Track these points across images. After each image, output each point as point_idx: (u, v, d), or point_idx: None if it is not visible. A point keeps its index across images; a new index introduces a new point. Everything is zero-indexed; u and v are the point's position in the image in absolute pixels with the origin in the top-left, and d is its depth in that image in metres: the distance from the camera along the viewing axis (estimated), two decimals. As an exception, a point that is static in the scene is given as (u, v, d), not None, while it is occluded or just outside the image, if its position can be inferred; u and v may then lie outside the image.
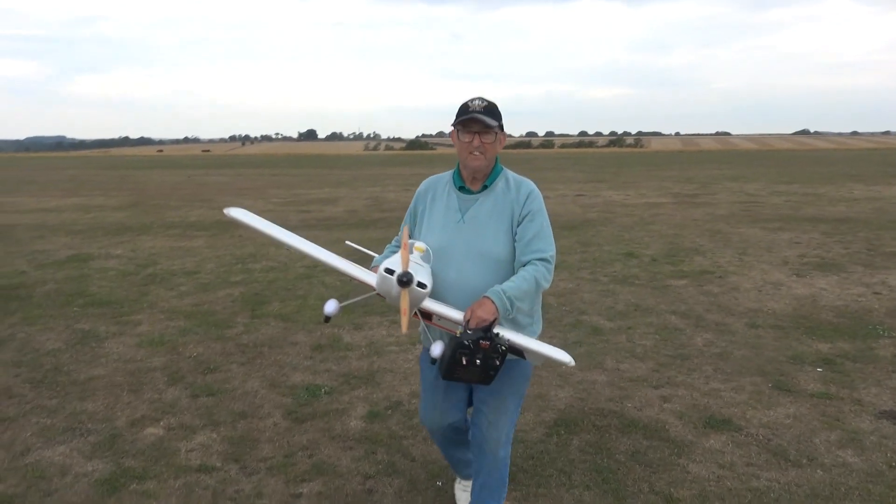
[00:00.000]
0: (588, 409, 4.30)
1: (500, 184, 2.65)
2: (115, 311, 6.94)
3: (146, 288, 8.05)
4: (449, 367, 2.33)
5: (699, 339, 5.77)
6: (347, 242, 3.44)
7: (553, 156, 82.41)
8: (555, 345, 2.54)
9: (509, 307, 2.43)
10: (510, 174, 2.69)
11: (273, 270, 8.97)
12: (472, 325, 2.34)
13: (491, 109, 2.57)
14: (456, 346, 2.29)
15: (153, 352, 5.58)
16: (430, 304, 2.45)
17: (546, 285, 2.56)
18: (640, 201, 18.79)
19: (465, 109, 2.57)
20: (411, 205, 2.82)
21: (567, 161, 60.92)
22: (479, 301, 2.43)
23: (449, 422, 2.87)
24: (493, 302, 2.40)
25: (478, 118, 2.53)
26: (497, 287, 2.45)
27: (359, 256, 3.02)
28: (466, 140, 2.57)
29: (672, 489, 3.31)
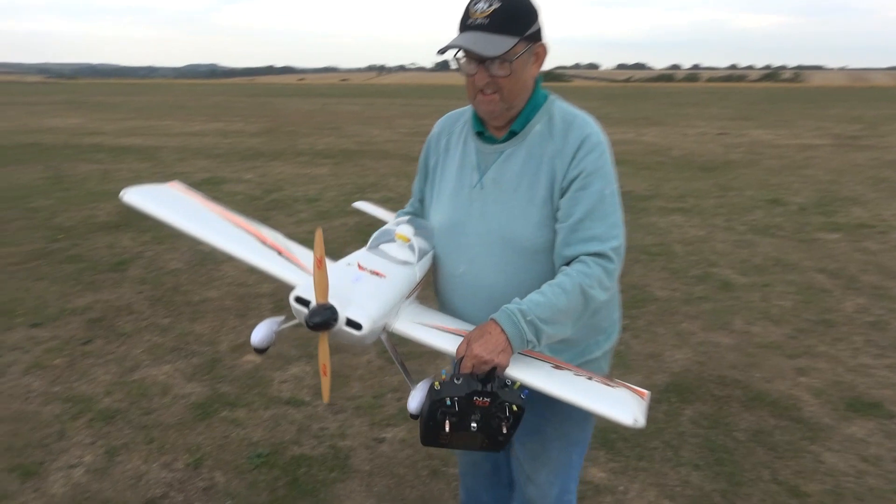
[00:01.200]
0: (707, 375, 3.84)
1: (537, 126, 1.66)
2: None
3: (268, 213, 8.26)
4: (427, 431, 1.47)
5: (850, 303, 5.03)
6: (356, 204, 2.71)
7: (697, 90, 76.99)
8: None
9: (532, 337, 1.50)
10: (559, 109, 1.69)
11: (390, 201, 8.91)
12: (466, 367, 1.46)
13: (504, 17, 1.53)
14: (434, 404, 1.43)
15: (264, 277, 5.64)
16: (403, 328, 1.58)
17: (602, 296, 1.58)
18: (792, 142, 17.00)
19: (462, 21, 1.58)
20: (422, 155, 1.91)
21: (712, 96, 56.63)
22: (480, 327, 1.51)
23: (484, 456, 2.10)
24: (502, 330, 1.48)
25: (472, 51, 1.55)
26: (512, 305, 1.51)
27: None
28: (470, 73, 1.61)
29: (800, 481, 2.86)
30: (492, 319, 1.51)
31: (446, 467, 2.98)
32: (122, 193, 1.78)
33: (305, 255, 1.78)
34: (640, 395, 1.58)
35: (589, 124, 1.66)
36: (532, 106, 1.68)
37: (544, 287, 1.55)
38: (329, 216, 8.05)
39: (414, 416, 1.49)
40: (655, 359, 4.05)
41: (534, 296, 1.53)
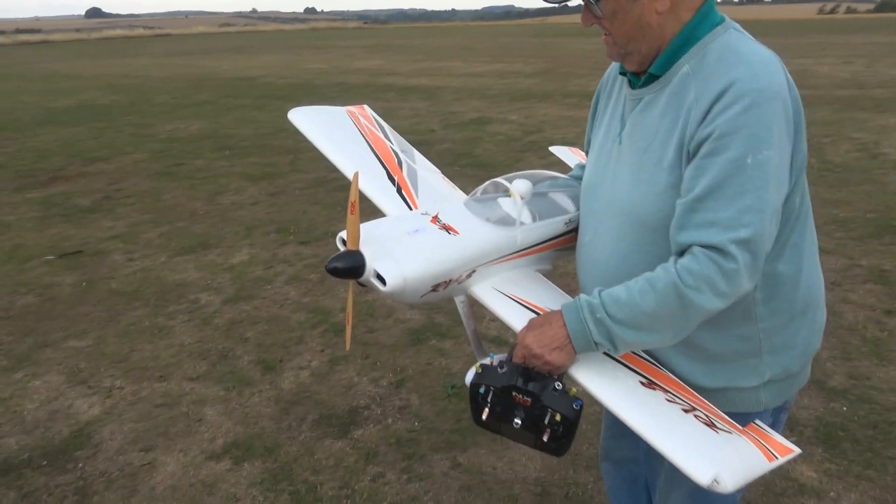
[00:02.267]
0: None
1: (685, 67, 1.29)
2: (488, 173, 7.39)
3: (522, 154, 8.38)
4: (473, 411, 1.38)
5: None
6: (553, 149, 2.45)
7: None
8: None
9: (601, 339, 1.26)
10: (720, 44, 1.28)
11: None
12: (517, 357, 1.32)
13: None
14: (472, 387, 1.36)
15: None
16: (481, 293, 1.47)
17: (713, 304, 1.21)
18: None
19: None
20: (594, 97, 1.64)
21: None
22: (545, 314, 1.34)
23: (621, 457, 1.90)
24: (564, 323, 1.28)
25: None
26: (586, 296, 1.29)
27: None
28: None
29: None
30: (560, 308, 1.31)
31: (631, 432, 2.84)
32: (290, 112, 1.91)
33: (431, 197, 1.73)
34: (775, 452, 1.22)
35: (746, 65, 1.21)
36: (682, 42, 1.30)
37: (634, 280, 1.26)
38: (582, 160, 7.92)
39: None
40: (926, 353, 3.33)
41: (617, 289, 1.27)
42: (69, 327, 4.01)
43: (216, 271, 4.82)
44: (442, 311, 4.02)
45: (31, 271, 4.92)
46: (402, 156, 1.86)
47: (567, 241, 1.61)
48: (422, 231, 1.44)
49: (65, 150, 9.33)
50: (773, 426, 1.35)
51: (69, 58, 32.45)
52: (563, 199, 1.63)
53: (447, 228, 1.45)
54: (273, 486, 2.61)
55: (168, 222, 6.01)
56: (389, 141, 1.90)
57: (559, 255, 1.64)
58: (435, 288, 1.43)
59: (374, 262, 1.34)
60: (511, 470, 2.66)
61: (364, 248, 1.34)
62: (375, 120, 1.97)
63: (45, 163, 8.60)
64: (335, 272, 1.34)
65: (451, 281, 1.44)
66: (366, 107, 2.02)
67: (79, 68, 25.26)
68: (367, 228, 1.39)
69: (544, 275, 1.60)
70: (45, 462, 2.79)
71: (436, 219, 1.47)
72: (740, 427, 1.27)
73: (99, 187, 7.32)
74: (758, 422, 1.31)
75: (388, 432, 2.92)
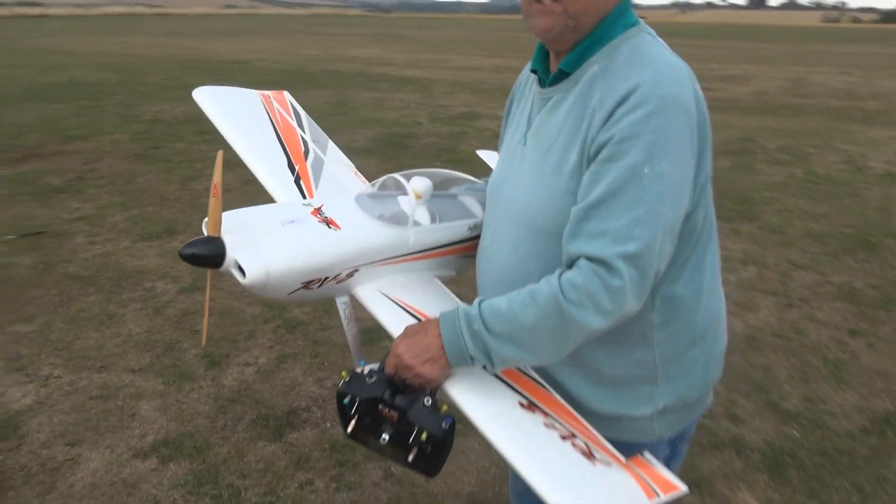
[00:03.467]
0: (954, 412, 3.00)
1: (594, 67, 1.20)
2: (468, 171, 7.29)
3: (506, 152, 8.28)
4: (341, 422, 1.25)
5: None
6: (479, 152, 2.39)
7: None
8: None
9: (475, 352, 1.15)
10: (630, 46, 1.19)
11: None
12: (389, 366, 1.20)
13: None
14: (338, 396, 1.23)
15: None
16: (364, 295, 1.38)
17: (595, 323, 1.11)
18: None
19: None
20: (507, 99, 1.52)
21: None
22: (423, 322, 1.24)
23: (526, 488, 1.81)
24: (439, 333, 1.18)
25: None
26: (465, 305, 1.20)
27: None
28: None
29: None
30: (438, 317, 1.20)
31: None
32: (194, 91, 1.80)
33: (333, 190, 1.63)
34: (657, 488, 1.11)
35: (653, 70, 1.12)
36: (596, 39, 1.20)
37: (517, 292, 1.16)
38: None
39: None
40: (884, 378, 3.25)
41: (498, 300, 1.16)
42: (17, 311, 3.90)
43: (177, 259, 4.69)
44: (400, 311, 3.93)
45: (-13, 251, 4.81)
46: (311, 145, 1.77)
47: (472, 247, 1.51)
48: (298, 222, 1.34)
49: (45, 127, 9.17)
50: (670, 457, 1.25)
51: (66, 33, 32.20)
52: (473, 204, 1.54)
53: (328, 222, 1.35)
54: (196, 488, 2.51)
55: (137, 206, 5.89)
56: (302, 129, 1.81)
57: (464, 261, 1.53)
58: (307, 285, 1.33)
59: (236, 251, 1.23)
60: (444, 483, 2.57)
61: (227, 236, 1.24)
62: (292, 106, 1.88)
63: (22, 139, 8.44)
64: (190, 259, 1.21)
65: (326, 279, 1.34)
66: (285, 93, 1.94)
67: (74, 44, 25.00)
68: (234, 215, 1.30)
69: (446, 282, 1.50)
70: (-35, 453, 2.69)
71: (318, 211, 1.38)
72: (622, 459, 1.16)
73: (73, 167, 7.19)
74: (645, 454, 1.21)
75: (324, 437, 2.82)
